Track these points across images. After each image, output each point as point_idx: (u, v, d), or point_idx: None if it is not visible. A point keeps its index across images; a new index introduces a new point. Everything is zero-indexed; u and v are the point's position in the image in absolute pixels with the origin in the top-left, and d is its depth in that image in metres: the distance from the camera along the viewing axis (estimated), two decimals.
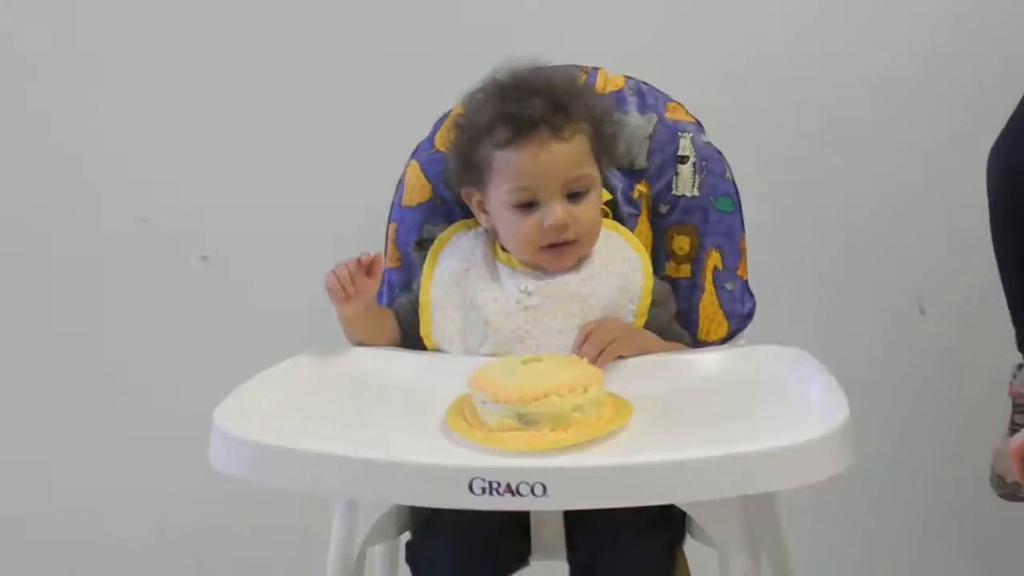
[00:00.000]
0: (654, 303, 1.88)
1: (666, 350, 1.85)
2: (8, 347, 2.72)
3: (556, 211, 1.82)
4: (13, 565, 2.78)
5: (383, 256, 1.86)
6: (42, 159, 2.66)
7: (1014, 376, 2.04)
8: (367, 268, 1.80)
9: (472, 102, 1.90)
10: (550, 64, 1.92)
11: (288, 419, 1.63)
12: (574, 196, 1.83)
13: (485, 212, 1.89)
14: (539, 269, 1.87)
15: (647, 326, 1.87)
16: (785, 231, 2.59)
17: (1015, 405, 2.02)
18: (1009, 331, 2.08)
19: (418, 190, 2.00)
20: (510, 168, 1.83)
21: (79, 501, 2.76)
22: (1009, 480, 1.93)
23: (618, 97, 1.99)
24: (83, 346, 2.71)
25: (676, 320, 1.93)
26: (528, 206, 1.83)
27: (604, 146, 1.89)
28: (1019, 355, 2.03)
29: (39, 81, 2.65)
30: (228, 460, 1.52)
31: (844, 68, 2.59)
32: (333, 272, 1.80)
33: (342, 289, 1.79)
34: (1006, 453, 1.84)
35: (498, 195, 1.85)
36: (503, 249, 1.90)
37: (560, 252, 1.85)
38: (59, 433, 2.74)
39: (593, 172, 1.86)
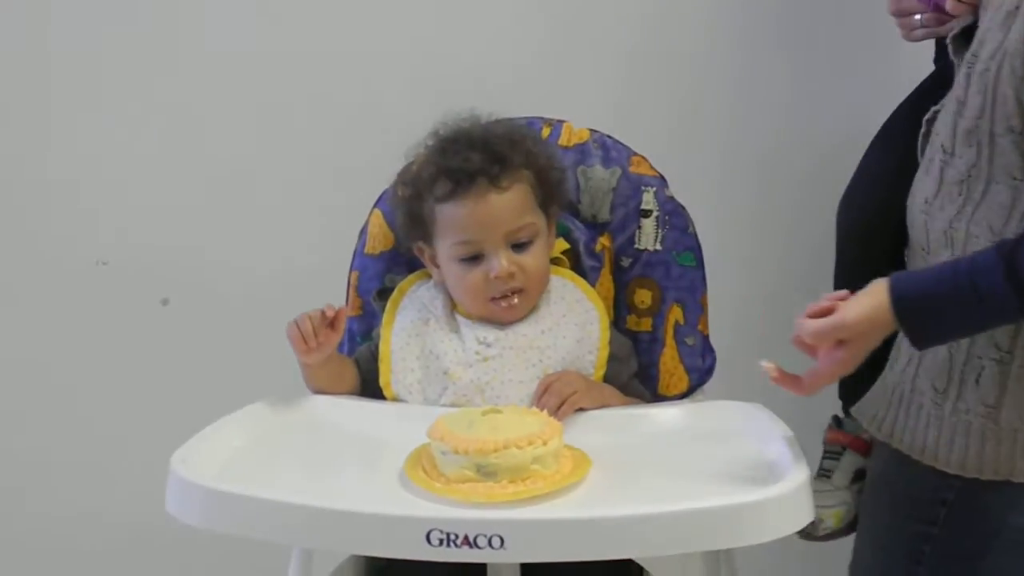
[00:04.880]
0: (614, 358, 1.88)
1: (625, 404, 1.85)
2: None
3: (500, 262, 1.82)
4: None
5: (346, 308, 1.86)
6: (1, 199, 2.65)
7: (833, 425, 2.13)
8: (330, 321, 1.80)
9: (416, 157, 1.91)
10: (499, 116, 1.93)
11: (246, 466, 1.62)
12: (518, 247, 1.84)
13: (437, 266, 1.90)
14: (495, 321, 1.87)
15: (607, 382, 1.87)
16: (746, 286, 2.60)
17: (827, 451, 2.11)
18: None
19: (381, 239, 2.00)
20: (452, 222, 1.83)
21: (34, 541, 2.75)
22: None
23: (583, 150, 2.00)
24: (42, 388, 2.69)
25: (636, 378, 1.93)
26: (473, 259, 1.84)
27: (550, 193, 1.89)
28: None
29: None
30: (184, 506, 1.51)
31: (811, 115, 2.62)
32: (295, 323, 1.79)
33: (303, 341, 1.79)
34: None
35: (443, 248, 1.86)
36: None
37: (509, 303, 1.85)
38: (17, 480, 2.73)
39: (537, 221, 1.86)
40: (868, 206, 2.03)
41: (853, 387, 1.93)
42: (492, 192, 1.82)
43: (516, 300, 1.85)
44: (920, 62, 2.07)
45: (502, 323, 1.87)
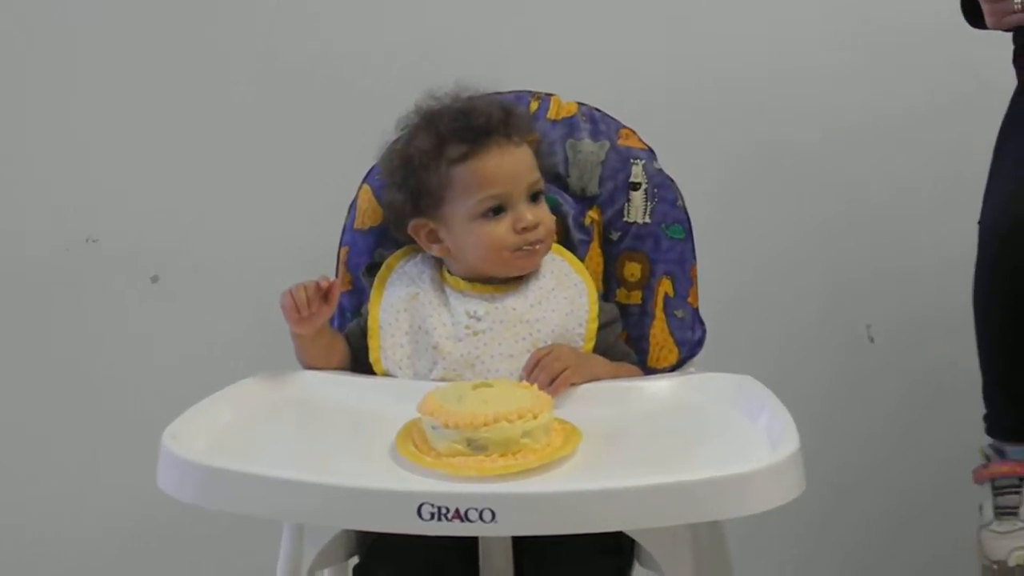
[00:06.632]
0: (601, 325, 1.88)
1: (615, 375, 1.85)
2: None
3: (526, 213, 1.83)
4: None
5: (338, 282, 1.86)
6: None
7: (987, 460, 2.05)
8: (324, 293, 1.80)
9: (407, 134, 1.91)
10: (490, 90, 1.93)
11: (236, 442, 1.62)
12: (534, 198, 1.85)
13: (437, 241, 1.89)
14: (490, 291, 1.87)
15: (595, 348, 1.87)
16: (735, 259, 2.60)
17: (999, 487, 2.03)
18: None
19: (370, 214, 1.99)
20: (474, 179, 1.83)
21: (23, 524, 2.75)
22: (1012, 564, 1.95)
23: (571, 123, 2.00)
24: (30, 367, 2.69)
25: (619, 340, 1.94)
26: (495, 212, 1.83)
27: (538, 161, 1.90)
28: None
29: None
30: (175, 482, 1.51)
31: (796, 99, 2.62)
32: (290, 292, 1.79)
33: (297, 311, 1.79)
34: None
35: (464, 209, 1.84)
36: (450, 273, 1.90)
37: (529, 253, 1.85)
38: (9, 458, 2.73)
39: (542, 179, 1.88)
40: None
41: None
42: (510, 145, 1.84)
43: (538, 248, 1.86)
44: None
45: (497, 295, 1.87)
